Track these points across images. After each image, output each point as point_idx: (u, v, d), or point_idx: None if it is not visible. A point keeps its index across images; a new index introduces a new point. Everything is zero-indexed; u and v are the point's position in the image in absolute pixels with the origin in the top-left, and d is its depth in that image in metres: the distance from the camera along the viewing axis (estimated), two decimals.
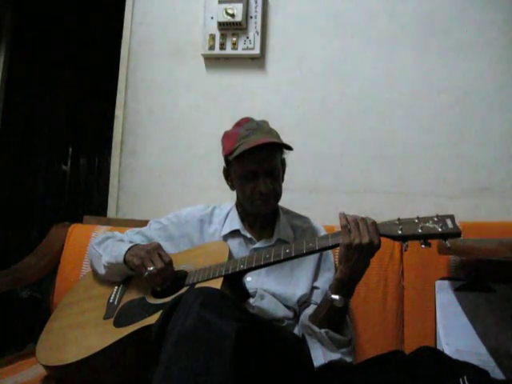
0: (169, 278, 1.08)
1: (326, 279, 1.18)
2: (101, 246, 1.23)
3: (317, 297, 1.14)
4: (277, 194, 1.18)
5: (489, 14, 1.61)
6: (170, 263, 1.08)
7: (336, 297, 0.96)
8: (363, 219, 0.93)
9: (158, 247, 1.11)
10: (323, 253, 1.22)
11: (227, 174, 1.23)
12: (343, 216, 0.95)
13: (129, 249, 1.13)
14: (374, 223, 0.93)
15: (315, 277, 1.18)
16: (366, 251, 0.92)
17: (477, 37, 1.61)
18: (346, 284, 0.96)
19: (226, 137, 1.20)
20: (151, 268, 1.05)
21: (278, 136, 1.17)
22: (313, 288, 1.17)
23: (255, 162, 1.11)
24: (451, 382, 0.88)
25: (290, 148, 1.14)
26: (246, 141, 1.10)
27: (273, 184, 1.14)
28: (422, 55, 1.64)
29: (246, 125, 1.17)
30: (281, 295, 1.13)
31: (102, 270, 1.19)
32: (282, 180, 1.23)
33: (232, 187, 1.24)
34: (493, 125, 1.57)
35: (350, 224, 0.93)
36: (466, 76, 1.60)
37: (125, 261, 1.12)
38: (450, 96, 1.60)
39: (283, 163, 1.23)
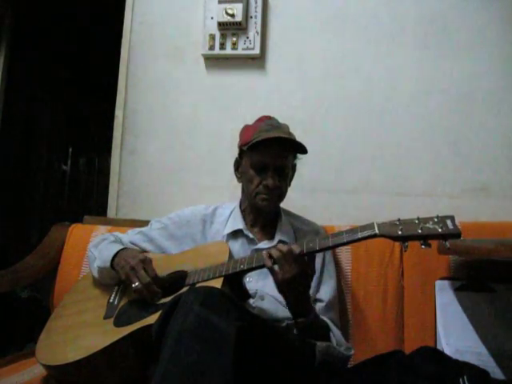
0: (157, 292, 1.05)
1: (328, 288, 1.19)
2: (96, 248, 1.23)
3: (319, 310, 1.14)
4: (281, 193, 1.19)
5: (489, 14, 1.60)
6: (156, 277, 1.07)
7: (299, 319, 1.00)
8: (289, 251, 0.94)
9: (143, 261, 1.09)
10: (325, 261, 1.22)
11: (238, 165, 1.25)
12: (267, 255, 0.96)
13: (115, 255, 1.13)
14: (301, 252, 0.94)
15: (317, 285, 1.19)
16: (299, 280, 0.95)
17: (477, 37, 1.61)
18: (297, 308, 1.00)
19: (246, 129, 1.22)
20: (137, 284, 1.04)
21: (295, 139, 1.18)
22: (316, 300, 1.17)
23: (268, 156, 1.13)
24: (451, 382, 0.88)
25: (305, 151, 1.15)
26: (265, 134, 1.12)
27: (280, 182, 1.16)
28: (422, 55, 1.63)
29: (267, 121, 1.19)
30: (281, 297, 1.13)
31: (95, 274, 1.19)
32: (289, 184, 1.24)
33: (239, 179, 1.25)
34: (493, 125, 1.57)
35: (276, 261, 0.95)
36: (466, 76, 1.60)
37: (113, 267, 1.12)
38: (450, 96, 1.60)
39: (294, 168, 1.24)
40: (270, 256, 0.97)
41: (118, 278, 1.14)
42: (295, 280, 0.94)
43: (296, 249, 0.95)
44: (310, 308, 1.02)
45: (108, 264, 1.13)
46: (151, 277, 1.06)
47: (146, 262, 1.09)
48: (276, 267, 0.96)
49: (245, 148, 1.17)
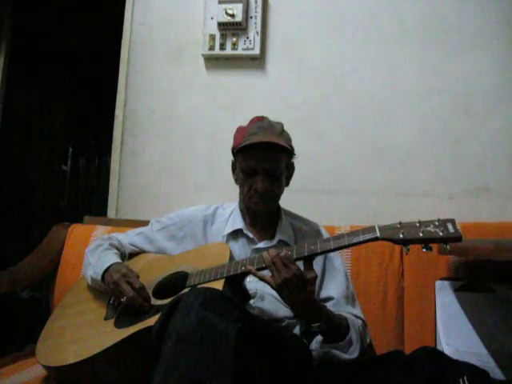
0: (142, 304, 1.05)
1: (335, 284, 1.17)
2: (92, 254, 1.23)
3: (332, 308, 1.11)
4: (274, 194, 1.18)
5: (489, 14, 1.61)
6: (140, 289, 1.06)
7: (313, 325, 0.99)
8: (277, 255, 0.94)
9: (125, 274, 1.09)
10: (326, 258, 1.21)
11: (234, 167, 1.25)
12: (266, 256, 0.97)
13: (105, 271, 1.13)
14: (284, 256, 0.94)
15: (320, 285, 1.17)
16: (296, 284, 0.94)
17: (477, 37, 1.61)
18: (305, 315, 1.00)
19: (238, 131, 1.22)
20: (124, 299, 1.05)
21: (288, 139, 1.18)
22: (326, 299, 1.15)
23: (256, 160, 1.13)
24: (451, 382, 0.88)
25: (291, 153, 1.16)
26: (253, 138, 1.12)
27: (271, 185, 1.15)
28: (422, 55, 1.64)
29: (258, 123, 1.18)
30: None
31: (89, 281, 1.20)
32: (287, 184, 1.24)
33: (236, 181, 1.25)
34: (493, 125, 1.57)
35: (267, 266, 0.95)
36: (466, 76, 1.60)
37: (103, 282, 1.13)
38: (450, 96, 1.60)
39: (290, 167, 1.23)
40: (269, 258, 0.96)
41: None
42: (288, 285, 0.93)
43: (282, 252, 0.95)
44: (320, 312, 1.00)
45: (99, 277, 1.14)
46: (135, 288, 1.05)
47: (128, 275, 1.09)
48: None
49: (235, 151, 1.18)
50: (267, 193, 1.15)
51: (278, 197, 1.21)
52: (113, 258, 1.18)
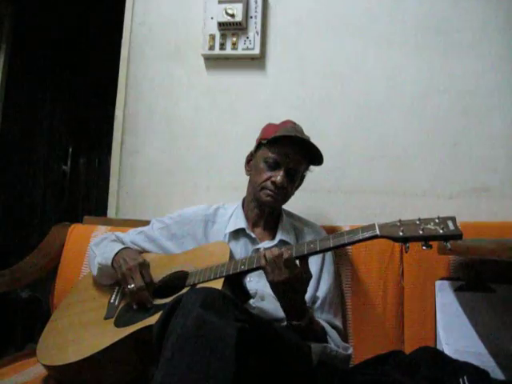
0: (146, 298, 1.06)
1: (324, 285, 1.20)
2: (98, 246, 1.24)
3: (316, 308, 1.16)
4: (286, 194, 1.21)
5: (489, 14, 1.60)
6: (151, 283, 1.08)
7: (294, 322, 1.01)
8: (280, 255, 0.95)
9: (142, 264, 1.10)
10: (324, 260, 1.23)
11: (251, 158, 1.26)
12: (263, 255, 0.98)
13: (116, 254, 1.14)
14: (288, 258, 0.94)
15: (317, 284, 1.19)
16: (290, 285, 0.95)
17: (477, 37, 1.60)
18: (290, 312, 1.01)
19: (269, 125, 1.25)
20: (132, 286, 1.06)
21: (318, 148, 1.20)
22: (314, 299, 1.17)
23: (284, 155, 1.16)
24: (451, 382, 0.88)
25: (320, 162, 1.20)
26: (288, 133, 1.16)
27: (287, 183, 1.17)
28: (422, 55, 1.63)
29: (291, 124, 1.23)
30: None
31: (95, 271, 1.20)
32: (293, 192, 1.26)
33: (249, 172, 1.26)
34: (493, 125, 1.57)
35: (268, 263, 0.96)
36: (466, 76, 1.60)
37: (112, 266, 1.13)
38: (450, 96, 1.60)
39: (302, 178, 1.28)
40: (264, 258, 0.98)
41: (116, 277, 1.15)
42: (285, 284, 0.94)
43: (286, 253, 0.95)
44: (304, 312, 1.02)
45: (109, 261, 1.14)
46: (146, 282, 1.06)
47: (144, 266, 1.10)
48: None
49: (264, 141, 1.19)
50: (282, 189, 1.17)
51: (288, 198, 1.23)
52: (122, 246, 1.20)
